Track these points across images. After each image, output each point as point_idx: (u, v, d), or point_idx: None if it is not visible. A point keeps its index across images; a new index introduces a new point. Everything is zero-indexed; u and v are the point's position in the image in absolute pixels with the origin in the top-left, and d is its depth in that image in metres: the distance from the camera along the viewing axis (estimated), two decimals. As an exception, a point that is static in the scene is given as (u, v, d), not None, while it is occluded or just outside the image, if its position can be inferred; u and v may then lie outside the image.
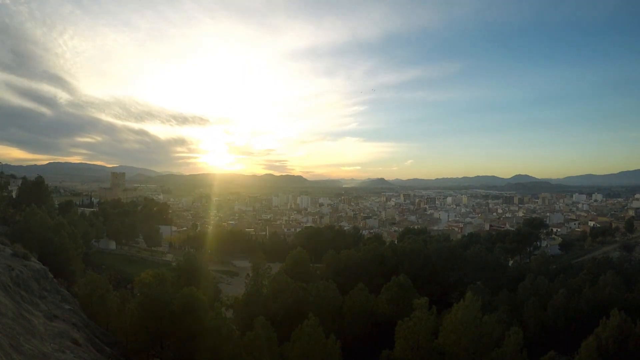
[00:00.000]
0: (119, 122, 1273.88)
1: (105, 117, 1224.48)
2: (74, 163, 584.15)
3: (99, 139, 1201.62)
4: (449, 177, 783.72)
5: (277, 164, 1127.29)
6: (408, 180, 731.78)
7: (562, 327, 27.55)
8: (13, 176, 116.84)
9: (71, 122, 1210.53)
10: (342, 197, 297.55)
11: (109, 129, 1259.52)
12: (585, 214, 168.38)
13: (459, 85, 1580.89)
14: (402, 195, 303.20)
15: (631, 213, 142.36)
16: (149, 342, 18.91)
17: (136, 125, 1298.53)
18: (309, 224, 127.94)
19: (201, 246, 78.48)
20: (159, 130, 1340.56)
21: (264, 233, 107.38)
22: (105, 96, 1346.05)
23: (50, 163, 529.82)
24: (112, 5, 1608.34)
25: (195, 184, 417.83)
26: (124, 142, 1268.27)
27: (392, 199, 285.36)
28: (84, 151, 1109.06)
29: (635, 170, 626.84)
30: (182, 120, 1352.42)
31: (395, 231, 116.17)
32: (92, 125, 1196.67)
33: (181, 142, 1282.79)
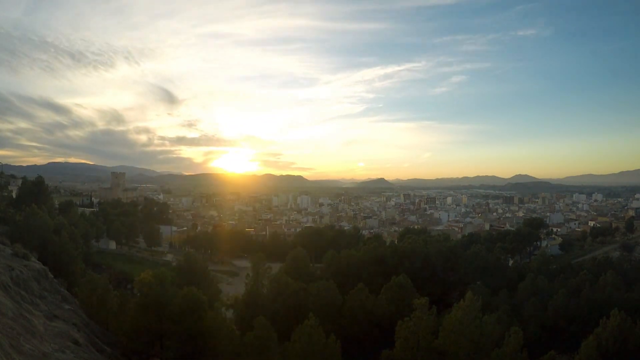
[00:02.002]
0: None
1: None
2: (74, 163, 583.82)
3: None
4: (448, 177, 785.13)
5: (273, 158, 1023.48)
6: (408, 180, 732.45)
7: (562, 327, 27.53)
8: (13, 176, 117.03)
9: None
10: (342, 197, 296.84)
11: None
12: (585, 214, 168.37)
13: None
14: (402, 195, 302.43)
15: (631, 213, 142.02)
16: (149, 342, 18.93)
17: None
18: (309, 224, 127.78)
19: (201, 246, 78.58)
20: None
21: (264, 233, 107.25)
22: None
23: (50, 163, 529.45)
24: None
25: (195, 184, 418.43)
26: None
27: (392, 199, 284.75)
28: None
29: (635, 170, 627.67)
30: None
31: (395, 231, 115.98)
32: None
33: (117, 119, 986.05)
